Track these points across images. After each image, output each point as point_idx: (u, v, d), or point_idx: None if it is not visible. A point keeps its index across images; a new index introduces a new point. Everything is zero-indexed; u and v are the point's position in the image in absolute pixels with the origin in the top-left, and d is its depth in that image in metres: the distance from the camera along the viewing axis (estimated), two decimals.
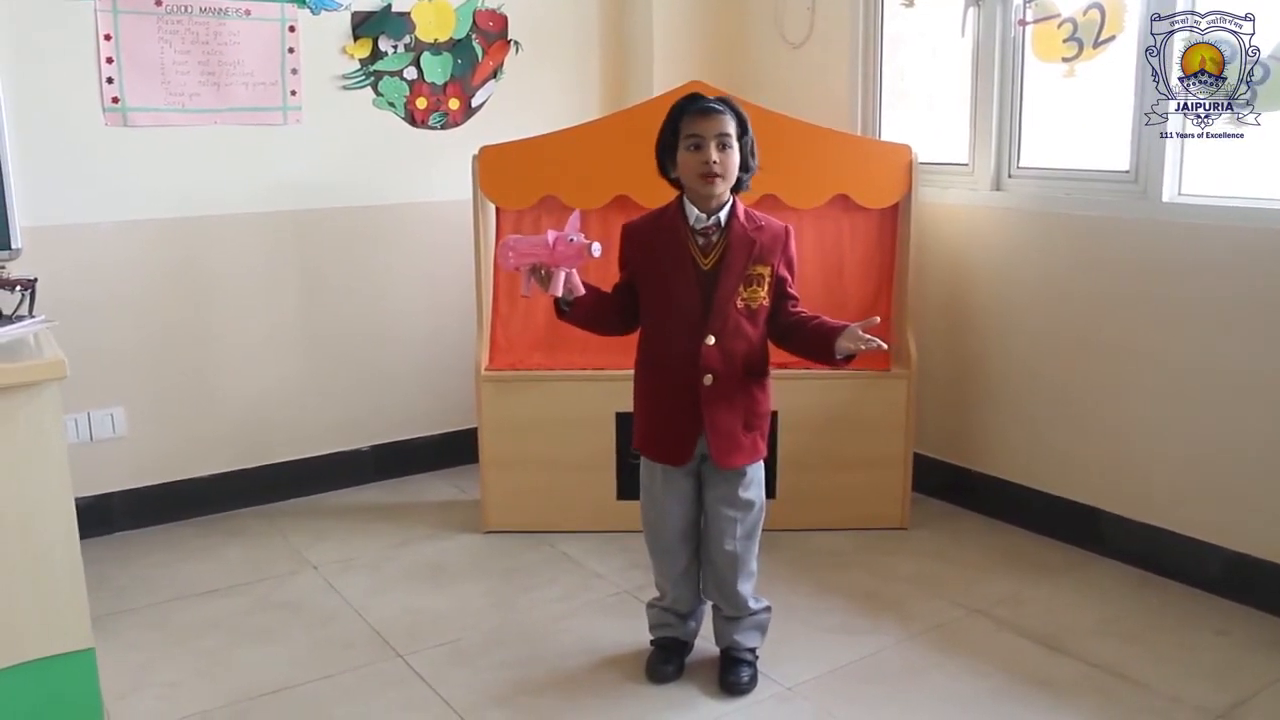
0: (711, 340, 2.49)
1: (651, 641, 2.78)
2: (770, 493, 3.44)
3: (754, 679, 2.67)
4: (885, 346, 2.48)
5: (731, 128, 2.43)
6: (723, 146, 2.42)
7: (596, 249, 2.35)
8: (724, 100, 2.48)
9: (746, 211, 2.53)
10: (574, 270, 2.41)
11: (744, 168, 2.49)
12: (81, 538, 2.30)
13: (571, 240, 2.35)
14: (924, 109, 3.93)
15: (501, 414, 3.53)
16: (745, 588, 2.65)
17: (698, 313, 2.48)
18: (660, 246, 2.50)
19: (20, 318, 2.49)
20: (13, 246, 2.94)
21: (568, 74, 4.29)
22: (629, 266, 2.55)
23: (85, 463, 3.41)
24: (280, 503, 3.93)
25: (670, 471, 2.61)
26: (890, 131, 3.96)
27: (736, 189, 2.51)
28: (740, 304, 2.48)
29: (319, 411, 3.99)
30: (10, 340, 2.35)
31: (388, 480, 4.15)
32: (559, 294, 2.39)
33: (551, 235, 2.37)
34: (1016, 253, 3.52)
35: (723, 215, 2.49)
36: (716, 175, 2.42)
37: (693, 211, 2.49)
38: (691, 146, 2.43)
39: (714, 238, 2.49)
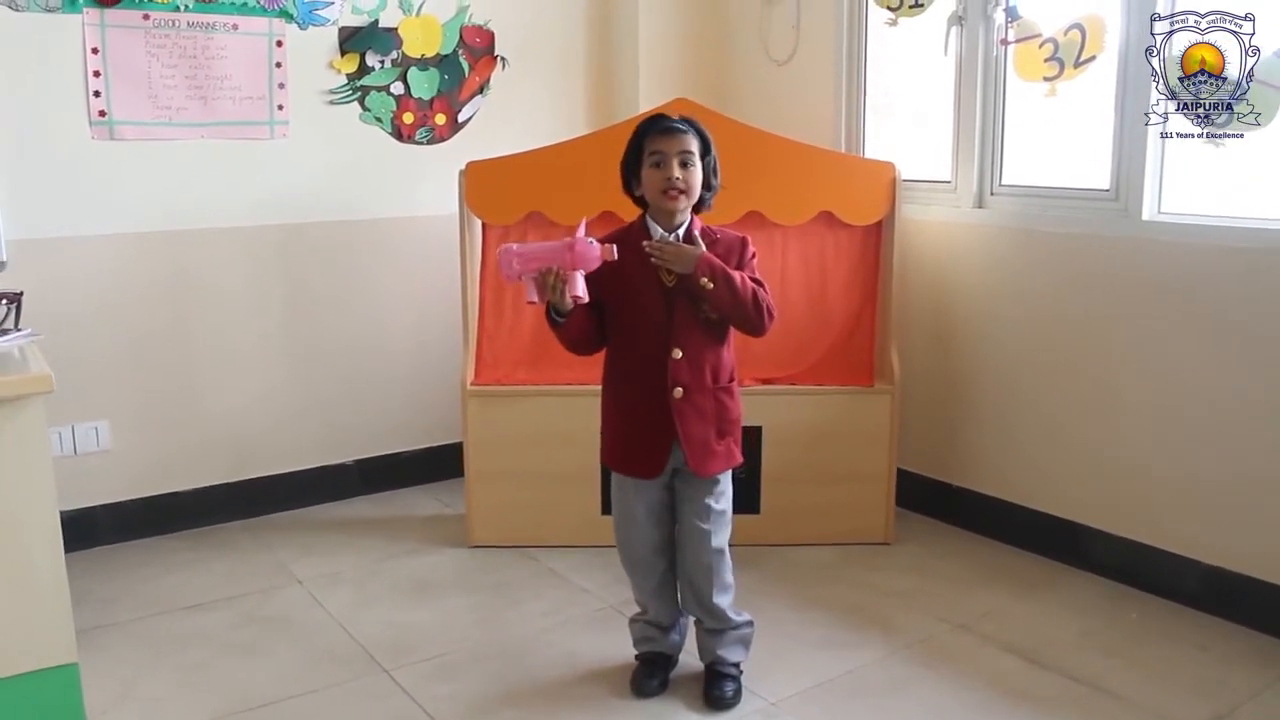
0: (679, 354, 2.52)
1: (636, 656, 2.79)
2: (754, 508, 3.48)
3: (738, 693, 2.68)
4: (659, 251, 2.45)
5: (694, 146, 2.48)
6: (685, 164, 2.47)
7: (615, 251, 2.40)
8: (687, 120, 2.53)
9: (704, 228, 2.57)
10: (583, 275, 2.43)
11: (706, 186, 2.54)
12: (65, 551, 2.30)
13: (592, 243, 2.38)
14: (907, 127, 3.97)
15: (487, 429, 3.54)
16: (723, 600, 2.67)
17: (664, 328, 2.52)
18: (627, 265, 2.51)
19: (5, 331, 2.49)
20: None
21: (554, 90, 4.31)
22: (594, 285, 2.53)
23: (70, 476, 3.40)
24: (265, 516, 3.92)
25: (642, 486, 2.63)
26: (874, 149, 3.99)
27: (699, 208, 2.56)
28: (702, 316, 2.52)
29: (304, 425, 3.99)
30: None
31: (373, 494, 4.15)
32: (580, 294, 2.40)
33: (573, 237, 2.39)
34: (999, 269, 3.55)
35: (680, 233, 2.52)
36: (679, 191, 2.47)
37: (656, 230, 2.53)
38: (654, 164, 2.48)
39: None
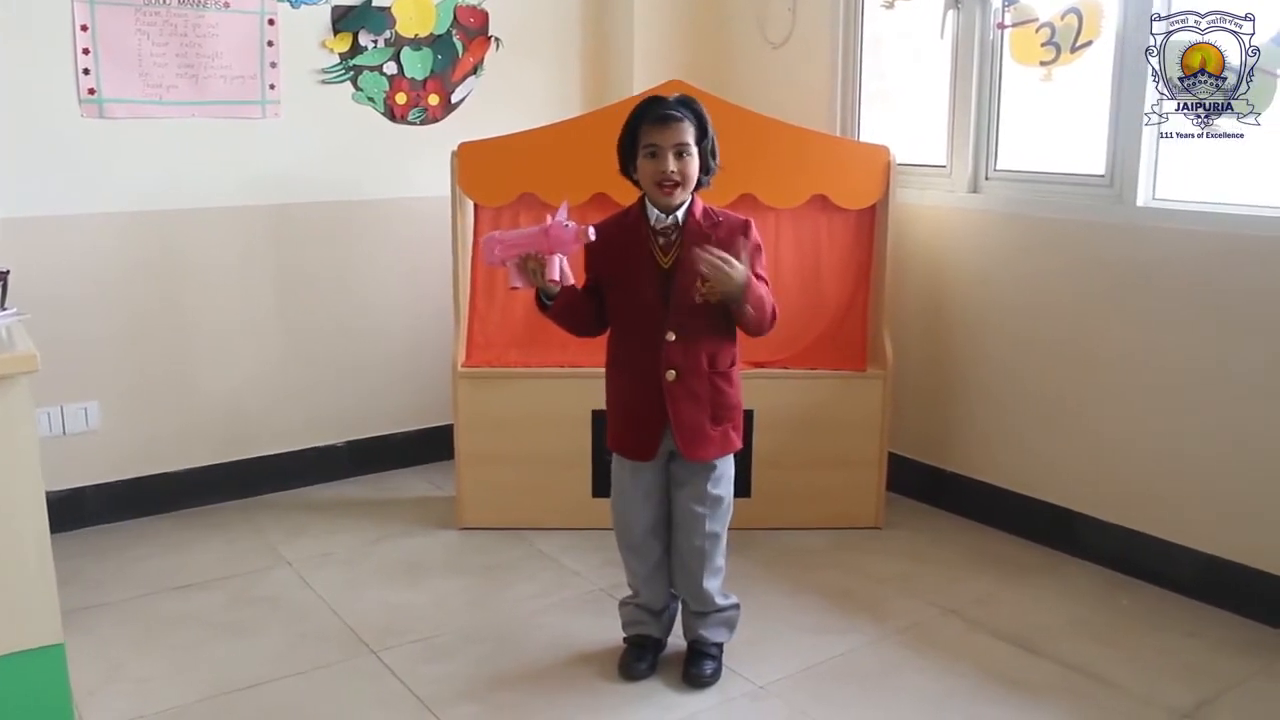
0: (672, 336, 2.51)
1: (625, 639, 2.79)
2: (745, 492, 3.47)
3: (717, 672, 2.69)
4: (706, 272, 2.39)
5: (690, 135, 2.45)
6: (680, 155, 2.44)
7: (592, 232, 2.39)
8: (684, 103, 2.48)
9: (705, 209, 2.55)
10: (565, 258, 2.42)
11: (704, 169, 2.50)
12: (55, 531, 2.29)
13: (567, 225, 2.37)
14: (903, 110, 3.95)
15: (478, 411, 3.53)
16: (712, 584, 2.67)
17: (658, 310, 2.51)
18: (623, 247, 2.52)
19: None
20: None
21: (548, 71, 4.29)
22: (593, 268, 2.56)
23: (58, 456, 3.39)
24: (255, 497, 3.92)
25: (639, 468, 2.63)
26: (869, 132, 3.98)
27: (697, 187, 2.53)
28: (699, 299, 2.45)
29: (295, 406, 3.98)
30: None
31: (363, 476, 4.14)
32: (557, 278, 2.40)
33: (547, 222, 2.38)
34: (993, 255, 3.54)
35: (680, 214, 2.51)
36: (675, 184, 2.45)
37: (653, 212, 2.51)
38: (649, 155, 2.45)
39: (673, 236, 2.51)
